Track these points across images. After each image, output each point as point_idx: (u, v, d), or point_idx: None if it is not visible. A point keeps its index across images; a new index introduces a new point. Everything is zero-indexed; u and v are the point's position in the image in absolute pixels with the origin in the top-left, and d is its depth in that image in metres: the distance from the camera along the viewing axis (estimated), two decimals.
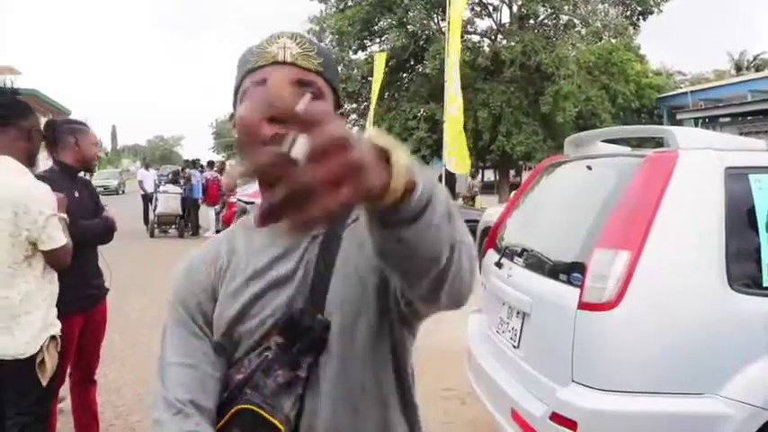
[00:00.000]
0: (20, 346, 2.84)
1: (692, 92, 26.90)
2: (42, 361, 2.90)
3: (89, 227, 3.54)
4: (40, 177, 3.52)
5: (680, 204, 2.68)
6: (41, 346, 2.90)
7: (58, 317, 3.24)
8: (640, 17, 27.79)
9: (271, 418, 1.09)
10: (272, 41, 1.14)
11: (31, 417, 2.95)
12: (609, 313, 2.57)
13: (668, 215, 2.63)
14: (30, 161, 3.06)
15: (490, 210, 11.49)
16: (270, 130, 0.83)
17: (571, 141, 3.86)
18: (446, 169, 16.49)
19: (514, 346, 3.21)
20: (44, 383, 2.92)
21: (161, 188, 16.86)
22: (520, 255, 3.46)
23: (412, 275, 0.89)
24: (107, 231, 3.72)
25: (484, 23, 29.70)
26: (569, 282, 2.80)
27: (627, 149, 3.73)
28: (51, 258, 2.90)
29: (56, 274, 3.03)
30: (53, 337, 2.97)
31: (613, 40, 27.78)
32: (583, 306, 2.65)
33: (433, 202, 0.77)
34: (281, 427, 1.09)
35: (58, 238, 2.87)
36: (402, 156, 0.73)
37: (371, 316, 1.14)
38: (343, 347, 1.13)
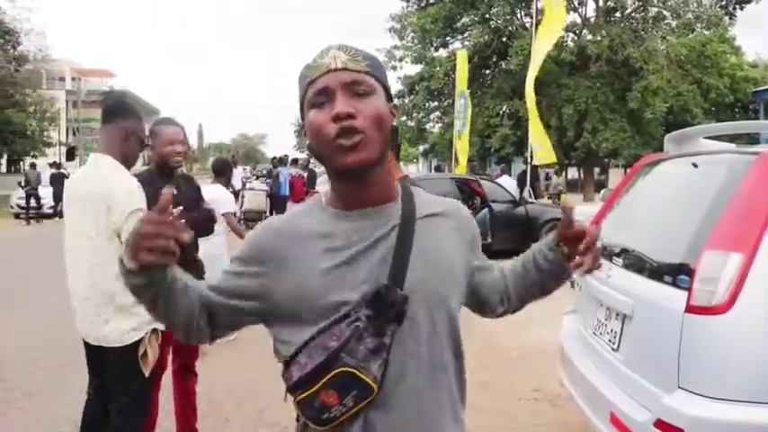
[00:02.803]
0: (122, 334, 3.00)
1: None
2: (145, 352, 3.03)
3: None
4: (135, 176, 3.71)
5: None
6: (144, 338, 3.04)
7: None
8: (737, 6, 26.55)
9: (365, 378, 1.28)
10: (323, 55, 1.34)
11: (132, 400, 3.10)
12: (720, 317, 2.45)
13: None
14: (125, 161, 3.18)
15: (578, 208, 11.19)
16: (334, 127, 1.27)
17: (672, 138, 3.71)
18: (531, 165, 16.25)
19: (613, 349, 3.12)
20: (146, 374, 3.07)
21: (248, 185, 17.31)
22: (619, 255, 3.35)
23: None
24: (204, 224, 3.82)
25: (568, 18, 29.05)
26: (675, 284, 2.68)
27: (732, 146, 3.56)
28: None
29: None
30: (155, 330, 3.09)
31: (706, 32, 26.62)
32: (691, 309, 2.53)
33: None
34: (372, 385, 1.28)
35: None
36: None
37: (447, 296, 1.39)
38: (423, 317, 1.35)
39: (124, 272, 1.27)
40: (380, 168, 1.35)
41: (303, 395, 1.32)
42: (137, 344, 3.03)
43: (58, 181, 19.80)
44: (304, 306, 1.32)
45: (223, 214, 6.44)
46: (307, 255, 1.34)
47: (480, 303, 1.64)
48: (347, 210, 1.38)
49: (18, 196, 22.76)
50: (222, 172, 7.05)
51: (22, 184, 22.03)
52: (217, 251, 6.31)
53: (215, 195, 6.46)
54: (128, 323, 3.01)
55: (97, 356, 3.18)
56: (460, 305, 1.48)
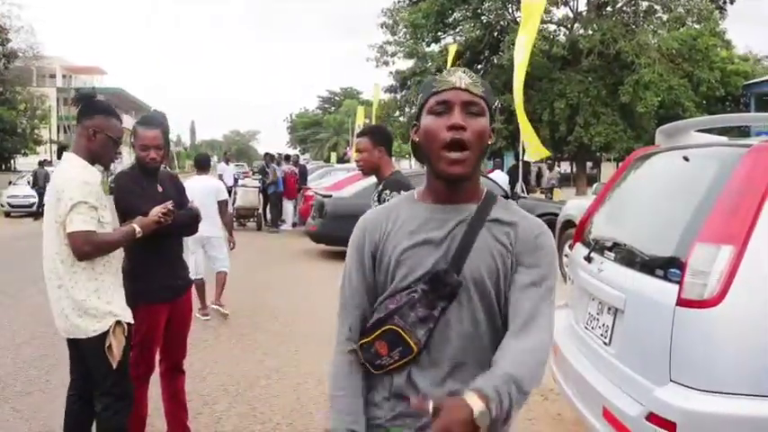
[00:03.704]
0: (86, 327, 3.07)
1: None
2: (110, 345, 3.08)
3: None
4: (121, 174, 3.72)
5: None
6: (108, 330, 3.07)
7: (144, 306, 3.39)
8: (727, 0, 26.58)
9: (408, 339, 1.58)
10: (450, 74, 1.61)
11: (111, 397, 3.16)
12: (711, 311, 2.45)
13: None
14: (95, 159, 3.20)
15: (570, 202, 11.22)
16: (448, 135, 1.55)
17: (663, 131, 3.70)
18: (523, 161, 16.22)
19: (605, 343, 3.11)
20: (114, 366, 3.10)
21: (240, 182, 17.24)
22: (611, 249, 3.34)
23: None
24: (191, 222, 3.80)
25: (559, 12, 29.01)
26: (666, 277, 2.68)
27: (724, 139, 3.56)
28: (69, 243, 3.00)
29: (108, 267, 3.15)
30: (119, 323, 3.12)
31: (697, 26, 26.65)
32: (682, 303, 2.53)
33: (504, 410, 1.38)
34: (413, 346, 1.58)
35: (75, 221, 2.97)
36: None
37: (492, 286, 1.60)
38: (468, 302, 1.59)
39: None
40: (472, 176, 1.62)
41: (364, 340, 1.65)
42: (102, 336, 3.07)
43: None
44: (388, 277, 1.64)
45: (221, 201, 7.58)
46: (395, 236, 1.65)
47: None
48: (434, 203, 1.66)
49: (8, 195, 22.67)
50: (206, 165, 8.06)
51: (31, 183, 22.08)
52: (216, 234, 7.45)
53: (211, 184, 7.69)
54: (88, 317, 3.06)
55: (75, 351, 3.24)
56: (504, 302, 1.63)
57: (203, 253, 7.50)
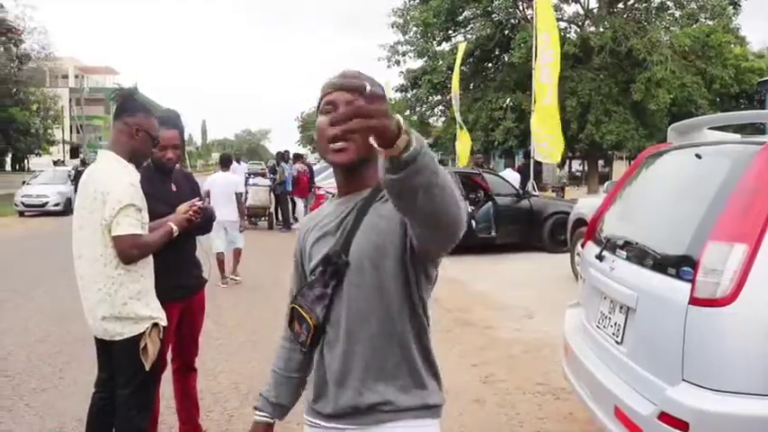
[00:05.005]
0: (123, 328, 3.06)
1: None
2: (145, 347, 3.07)
3: None
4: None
5: None
6: (144, 332, 3.07)
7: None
8: None
9: (305, 315, 1.74)
10: (337, 77, 1.75)
11: (137, 397, 3.16)
12: (723, 309, 2.43)
13: None
14: (133, 157, 3.18)
15: (582, 201, 11.18)
16: (331, 131, 1.45)
17: (675, 129, 3.68)
18: (534, 159, 16.17)
19: (617, 342, 3.10)
20: (147, 367, 3.10)
21: (251, 181, 17.28)
22: (622, 247, 3.32)
23: (412, 208, 1.37)
24: (204, 224, 3.81)
25: (570, 9, 28.89)
26: (678, 276, 2.66)
27: (737, 137, 3.53)
28: (115, 246, 2.98)
29: (148, 269, 3.15)
30: (155, 325, 3.11)
31: (710, 22, 26.45)
32: (694, 302, 2.52)
33: (423, 153, 1.26)
34: (310, 322, 1.73)
35: (123, 224, 2.95)
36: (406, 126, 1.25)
37: (380, 262, 1.66)
38: (356, 278, 1.68)
39: None
40: (362, 165, 1.70)
41: (287, 322, 1.85)
42: (138, 338, 3.06)
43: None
44: (306, 268, 1.83)
45: (238, 193, 9.66)
46: (309, 235, 1.85)
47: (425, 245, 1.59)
48: (338, 197, 1.83)
49: (23, 194, 22.82)
50: (228, 163, 10.29)
51: (72, 177, 22.84)
52: (236, 218, 9.46)
53: (232, 179, 9.93)
54: (127, 320, 3.05)
55: (104, 350, 3.22)
56: (411, 270, 1.66)
57: (225, 233, 9.32)
